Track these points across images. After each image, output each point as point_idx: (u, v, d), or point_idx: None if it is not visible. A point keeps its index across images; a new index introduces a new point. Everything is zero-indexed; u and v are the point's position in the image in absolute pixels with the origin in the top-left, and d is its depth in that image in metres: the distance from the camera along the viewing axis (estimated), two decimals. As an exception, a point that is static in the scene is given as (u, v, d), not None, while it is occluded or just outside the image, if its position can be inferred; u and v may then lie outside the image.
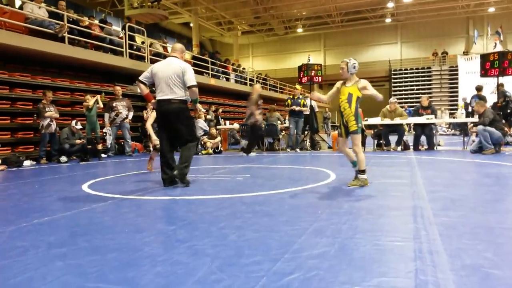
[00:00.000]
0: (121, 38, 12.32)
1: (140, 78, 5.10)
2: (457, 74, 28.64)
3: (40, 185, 5.52)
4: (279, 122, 11.54)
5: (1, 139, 8.69)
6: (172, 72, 4.82)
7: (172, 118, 4.90)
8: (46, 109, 8.78)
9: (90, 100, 9.73)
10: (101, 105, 10.00)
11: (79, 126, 9.28)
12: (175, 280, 1.92)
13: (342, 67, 4.74)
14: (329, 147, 11.53)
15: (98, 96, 10.03)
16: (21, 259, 2.30)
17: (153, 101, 5.16)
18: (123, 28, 12.70)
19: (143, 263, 2.18)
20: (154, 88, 5.16)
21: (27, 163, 8.54)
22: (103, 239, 2.67)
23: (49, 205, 3.98)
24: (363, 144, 10.26)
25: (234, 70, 21.50)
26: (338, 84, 4.88)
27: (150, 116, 6.32)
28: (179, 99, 4.86)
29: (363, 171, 4.59)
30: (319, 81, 11.85)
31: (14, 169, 7.85)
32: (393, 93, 29.44)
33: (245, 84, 21.78)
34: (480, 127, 8.27)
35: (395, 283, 1.85)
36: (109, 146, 10.35)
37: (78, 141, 9.22)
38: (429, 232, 2.65)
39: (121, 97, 10.74)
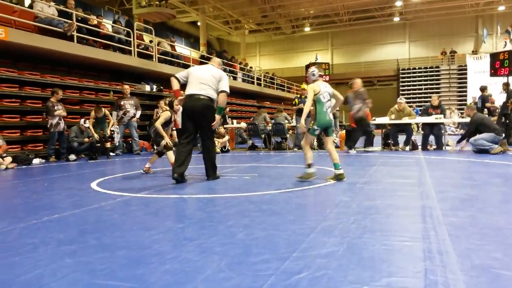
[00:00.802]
0: (130, 37, 12.38)
1: (176, 75, 5.39)
2: (466, 74, 28.40)
3: (49, 183, 5.57)
4: (286, 121, 11.53)
5: (11, 137, 8.78)
6: (210, 74, 5.23)
7: (198, 113, 5.15)
8: (55, 108, 8.85)
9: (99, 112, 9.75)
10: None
11: (87, 125, 9.35)
12: (184, 277, 1.93)
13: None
14: (337, 147, 11.48)
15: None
16: (31, 256, 2.32)
17: (180, 98, 5.39)
18: (127, 24, 12.72)
19: (152, 260, 2.19)
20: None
21: (36, 161, 8.62)
22: (112, 237, 2.69)
23: (59, 203, 4.02)
24: (371, 143, 10.22)
25: (241, 69, 21.51)
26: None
27: (161, 115, 6.33)
28: (209, 97, 5.16)
29: (310, 165, 5.05)
30: (327, 80, 11.82)
31: (24, 167, 7.93)
32: (401, 92, 29.25)
33: (252, 83, 21.78)
34: (471, 140, 8.34)
35: (405, 283, 1.84)
36: (117, 144, 10.41)
37: (86, 140, 9.29)
38: (438, 232, 2.64)
39: (129, 95, 10.80)
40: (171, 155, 6.01)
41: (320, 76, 5.29)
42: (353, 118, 9.41)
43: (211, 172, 5.40)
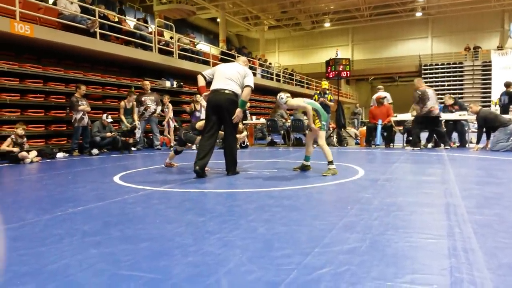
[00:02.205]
0: (150, 33, 12.51)
1: (203, 72, 5.56)
2: (490, 70, 27.61)
3: (73, 176, 5.69)
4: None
5: (36, 132, 9.00)
6: (236, 71, 5.35)
7: (223, 107, 5.22)
8: (79, 103, 9.02)
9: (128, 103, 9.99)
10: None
11: (110, 120, 9.50)
12: (207, 270, 1.95)
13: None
14: (357, 143, 11.38)
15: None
16: (57, 247, 2.38)
17: (205, 93, 5.46)
18: (144, 20, 12.86)
19: (175, 253, 2.22)
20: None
21: (60, 155, 8.81)
22: (135, 229, 2.73)
23: (82, 196, 4.10)
24: (392, 140, 10.10)
25: (261, 65, 21.48)
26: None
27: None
28: (233, 91, 5.25)
29: (331, 162, 5.30)
30: (347, 76, 11.70)
31: (48, 160, 8.12)
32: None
33: (271, 79, 21.73)
34: (491, 147, 8.37)
35: (430, 280, 1.81)
36: (138, 139, 10.55)
37: (108, 134, 9.44)
38: (463, 230, 2.58)
39: (149, 91, 10.91)
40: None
41: (288, 97, 5.56)
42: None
43: (231, 167, 5.41)
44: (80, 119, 9.00)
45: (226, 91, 5.21)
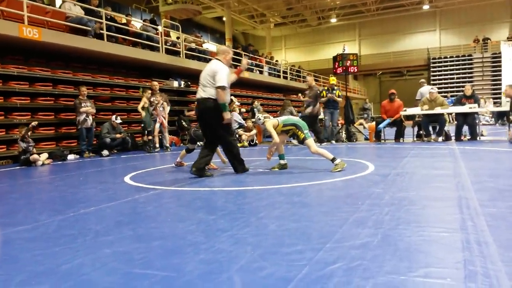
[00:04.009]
0: (157, 34, 12.56)
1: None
2: (500, 61, 27.24)
3: (84, 177, 5.74)
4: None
5: (46, 134, 9.09)
6: (206, 73, 5.10)
7: (202, 117, 5.21)
8: (82, 104, 9.06)
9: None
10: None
11: (119, 121, 9.57)
12: (219, 267, 1.95)
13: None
14: (366, 139, 11.32)
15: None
16: (71, 246, 2.40)
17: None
18: (152, 21, 12.91)
19: (187, 250, 2.23)
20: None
21: (71, 156, 8.90)
22: (147, 228, 2.75)
23: (94, 196, 4.13)
24: (402, 135, 10.03)
25: (267, 62, 21.45)
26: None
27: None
28: (209, 97, 5.03)
29: (334, 159, 5.23)
30: (355, 71, 11.63)
31: (59, 162, 8.20)
32: (432, 82, 28.43)
33: (278, 76, 21.69)
34: None
35: (444, 273, 1.79)
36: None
37: (118, 135, 9.51)
38: (476, 223, 2.56)
39: (158, 92, 10.95)
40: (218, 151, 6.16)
41: (265, 117, 5.84)
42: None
43: (238, 166, 5.39)
44: (83, 121, 9.04)
45: (203, 99, 5.08)
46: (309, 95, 10.61)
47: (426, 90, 10.96)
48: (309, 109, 10.43)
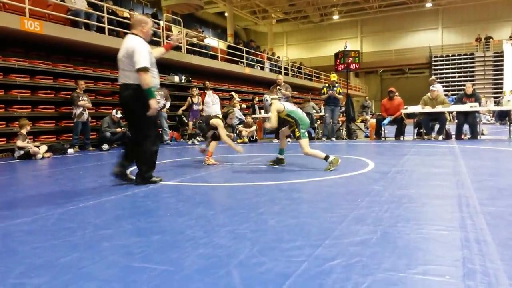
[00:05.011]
0: (159, 28, 12.53)
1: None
2: (502, 61, 27.15)
3: (84, 171, 5.74)
4: (314, 111, 11.42)
5: (47, 128, 9.09)
6: (122, 55, 4.15)
7: (123, 105, 4.41)
8: (80, 98, 9.05)
9: None
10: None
11: (119, 115, 9.55)
12: (218, 262, 1.95)
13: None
14: (366, 136, 11.31)
15: None
16: (70, 240, 2.40)
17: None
18: (154, 15, 12.87)
19: (186, 245, 2.23)
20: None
21: (70, 150, 8.89)
22: (147, 222, 2.75)
23: (94, 190, 4.13)
24: (402, 133, 10.03)
25: (269, 59, 21.41)
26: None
27: (218, 125, 6.32)
28: (130, 83, 4.13)
29: (327, 157, 5.04)
30: (356, 68, 11.60)
31: (59, 156, 8.20)
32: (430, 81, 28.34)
33: (280, 73, 21.64)
34: None
35: (442, 271, 1.79)
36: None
37: (118, 130, 9.50)
38: (475, 221, 2.56)
39: (158, 86, 10.93)
40: (213, 145, 6.10)
41: (272, 99, 5.66)
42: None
43: (142, 173, 4.34)
44: (80, 115, 9.01)
45: (123, 86, 4.21)
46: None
47: (439, 87, 10.99)
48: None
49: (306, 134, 5.32)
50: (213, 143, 6.17)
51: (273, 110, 5.29)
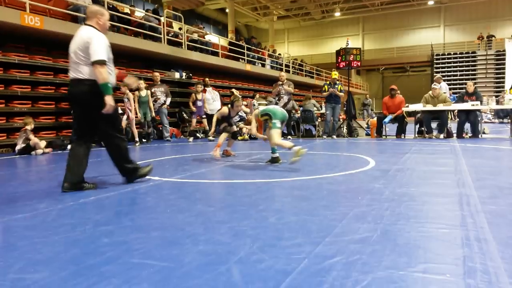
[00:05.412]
0: (159, 24, 12.50)
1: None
2: (504, 59, 27.09)
3: (84, 167, 5.72)
4: (315, 108, 11.39)
5: (47, 123, 9.08)
6: (76, 45, 3.78)
7: (79, 103, 3.89)
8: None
9: (142, 90, 9.88)
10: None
11: (119, 111, 9.52)
12: (217, 258, 1.95)
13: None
14: (367, 134, 11.30)
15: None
16: (70, 235, 2.40)
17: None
18: (155, 11, 12.85)
19: (186, 242, 2.23)
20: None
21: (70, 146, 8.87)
22: (147, 218, 2.75)
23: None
24: (404, 131, 10.02)
25: (270, 55, 21.36)
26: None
27: (220, 112, 6.39)
28: (84, 78, 3.77)
29: (291, 147, 5.05)
30: (358, 65, 11.57)
31: (59, 152, 8.20)
32: (434, 78, 28.30)
33: (281, 70, 21.61)
34: None
35: (442, 269, 1.79)
36: (149, 131, 10.60)
37: (119, 125, 9.49)
38: (476, 219, 2.55)
39: (159, 83, 10.92)
40: (222, 137, 6.25)
41: (259, 104, 5.93)
42: None
43: (128, 174, 4.20)
44: None
45: (75, 81, 3.81)
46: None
47: (444, 85, 10.96)
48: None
49: (278, 125, 5.38)
50: (223, 135, 6.30)
51: (253, 118, 5.60)
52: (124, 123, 9.50)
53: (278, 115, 5.43)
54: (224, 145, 6.47)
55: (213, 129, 6.67)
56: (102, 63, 3.66)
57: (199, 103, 10.70)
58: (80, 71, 3.75)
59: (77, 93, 3.80)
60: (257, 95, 14.27)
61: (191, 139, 10.64)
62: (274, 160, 5.57)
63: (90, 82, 3.73)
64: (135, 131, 9.51)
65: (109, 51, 3.85)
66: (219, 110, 6.57)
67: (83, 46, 3.71)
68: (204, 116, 10.89)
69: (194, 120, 10.86)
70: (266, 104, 5.84)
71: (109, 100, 3.72)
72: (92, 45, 3.67)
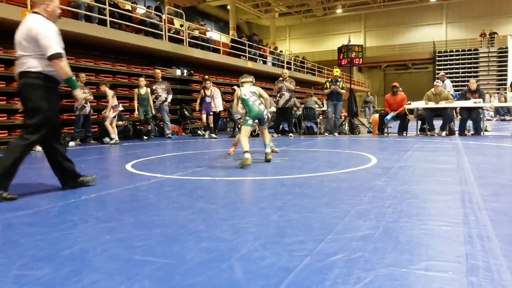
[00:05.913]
0: (160, 21, 12.48)
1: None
2: (506, 56, 26.91)
3: (86, 164, 5.73)
4: (316, 106, 11.38)
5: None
6: (21, 36, 3.44)
7: (21, 97, 3.61)
8: (81, 91, 8.97)
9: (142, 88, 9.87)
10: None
11: (121, 108, 9.53)
12: (220, 256, 1.95)
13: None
14: (369, 132, 11.28)
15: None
16: (71, 232, 2.40)
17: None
18: (157, 8, 12.83)
19: (188, 239, 2.23)
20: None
21: (72, 143, 8.88)
22: (148, 215, 2.75)
23: (96, 183, 4.12)
24: (405, 129, 10.00)
25: (271, 53, 21.33)
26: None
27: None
28: (30, 71, 3.42)
29: (245, 152, 5.06)
30: (359, 63, 11.55)
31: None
32: (437, 76, 28.23)
33: (282, 67, 21.56)
34: None
35: (445, 267, 1.78)
36: (149, 128, 10.59)
37: (120, 123, 9.49)
38: (478, 217, 2.54)
39: (160, 80, 10.90)
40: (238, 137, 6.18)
41: (244, 82, 5.67)
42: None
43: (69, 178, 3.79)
44: (81, 108, 8.98)
45: (22, 74, 3.47)
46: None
47: (448, 83, 10.93)
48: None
49: (250, 122, 5.40)
50: (238, 135, 6.32)
51: (235, 97, 5.63)
52: (120, 122, 9.56)
53: (253, 113, 5.42)
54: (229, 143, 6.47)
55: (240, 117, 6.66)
56: (59, 56, 3.35)
57: (208, 99, 10.63)
58: (25, 63, 3.40)
59: (24, 87, 3.46)
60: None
61: (207, 134, 10.64)
62: (266, 157, 5.51)
63: (35, 75, 3.38)
64: (110, 128, 9.08)
65: (61, 40, 3.48)
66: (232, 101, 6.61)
67: (27, 36, 3.35)
68: (211, 113, 10.80)
69: (204, 116, 10.70)
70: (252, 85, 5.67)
71: (78, 94, 3.62)
72: (44, 37, 3.30)
